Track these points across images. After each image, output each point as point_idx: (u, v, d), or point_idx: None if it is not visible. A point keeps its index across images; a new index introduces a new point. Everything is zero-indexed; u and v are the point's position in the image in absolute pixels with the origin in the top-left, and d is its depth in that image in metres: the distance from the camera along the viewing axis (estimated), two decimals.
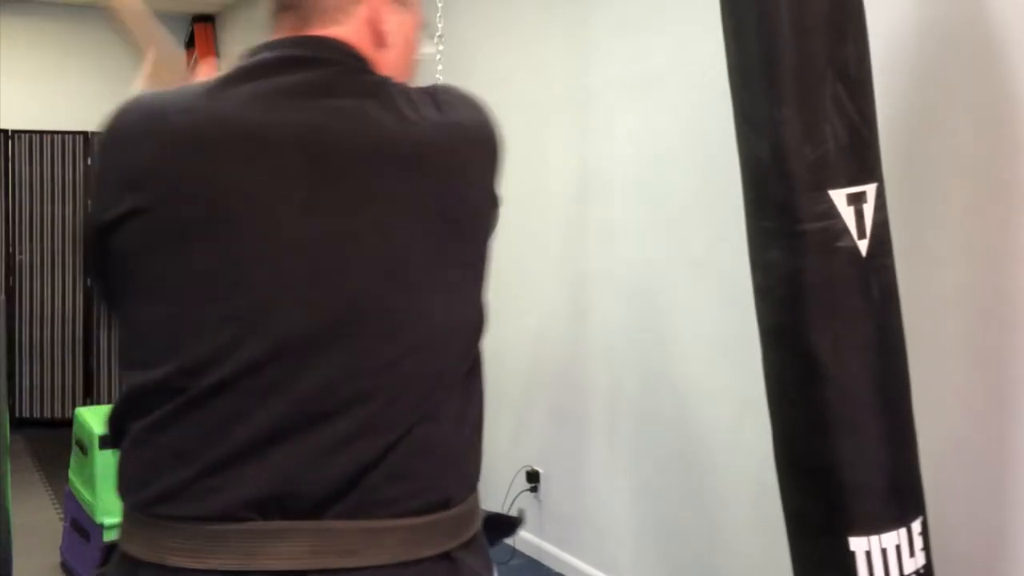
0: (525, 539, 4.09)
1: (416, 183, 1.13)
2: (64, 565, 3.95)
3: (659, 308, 3.43)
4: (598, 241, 3.75)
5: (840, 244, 1.90)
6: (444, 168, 1.16)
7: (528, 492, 4.10)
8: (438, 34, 1.39)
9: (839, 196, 1.90)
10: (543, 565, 4.01)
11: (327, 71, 1.17)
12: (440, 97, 1.19)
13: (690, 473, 3.30)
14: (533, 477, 4.10)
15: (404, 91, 1.18)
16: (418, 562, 1.10)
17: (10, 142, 6.30)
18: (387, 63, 1.23)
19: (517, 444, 4.14)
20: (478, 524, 1.19)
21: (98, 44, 7.28)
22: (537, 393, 4.13)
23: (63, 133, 6.37)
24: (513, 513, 4.01)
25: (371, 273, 1.12)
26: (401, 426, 1.11)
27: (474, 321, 1.19)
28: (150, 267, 1.12)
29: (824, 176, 1.90)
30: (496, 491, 4.09)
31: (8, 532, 3.11)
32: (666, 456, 3.41)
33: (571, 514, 3.92)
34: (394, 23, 1.23)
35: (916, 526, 1.98)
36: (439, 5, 3.62)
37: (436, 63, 3.39)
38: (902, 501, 1.98)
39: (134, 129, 1.14)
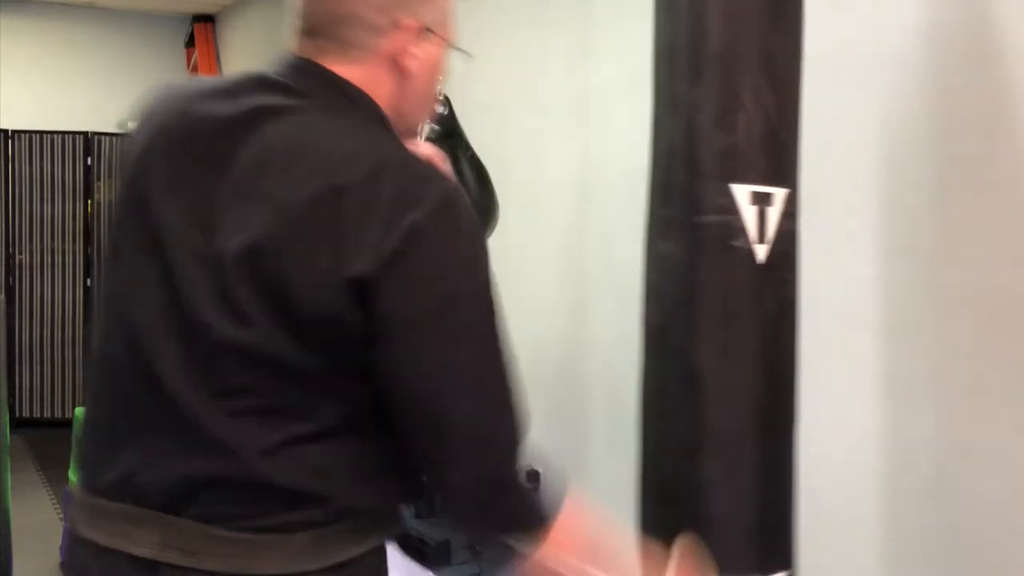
0: None
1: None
2: (64, 565, 3.95)
3: None
4: (598, 241, 3.75)
5: (735, 243, 1.77)
6: None
7: None
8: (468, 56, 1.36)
9: (742, 192, 1.78)
10: None
11: (296, 102, 1.18)
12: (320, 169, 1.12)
13: None
14: (533, 477, 4.09)
15: (347, 133, 1.15)
16: None
17: (10, 142, 6.29)
18: (411, 92, 1.24)
19: None
20: (359, 550, 1.18)
21: (98, 44, 7.28)
22: (537, 393, 4.10)
23: (63, 133, 6.37)
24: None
25: (188, 278, 1.13)
26: (221, 453, 1.11)
27: (256, 354, 1.10)
28: None
29: (730, 167, 1.78)
30: None
31: (8, 532, 3.10)
32: None
33: None
34: (417, 55, 1.23)
35: None
36: None
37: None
38: (766, 545, 1.77)
39: None
